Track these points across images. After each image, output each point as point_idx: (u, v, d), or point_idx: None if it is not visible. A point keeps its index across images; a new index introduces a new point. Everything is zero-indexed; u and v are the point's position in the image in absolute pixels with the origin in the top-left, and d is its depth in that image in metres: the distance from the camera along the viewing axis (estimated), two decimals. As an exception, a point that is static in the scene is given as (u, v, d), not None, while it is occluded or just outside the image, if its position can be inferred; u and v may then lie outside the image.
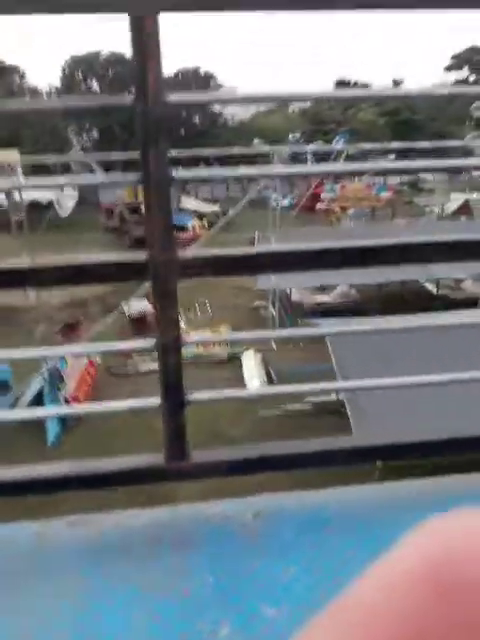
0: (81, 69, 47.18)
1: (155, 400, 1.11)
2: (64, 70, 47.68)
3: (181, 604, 1.01)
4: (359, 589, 0.27)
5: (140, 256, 1.01)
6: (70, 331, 17.27)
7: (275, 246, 1.08)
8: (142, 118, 0.87)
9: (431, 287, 19.96)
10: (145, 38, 0.83)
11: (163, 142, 0.90)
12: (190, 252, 1.03)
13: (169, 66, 46.46)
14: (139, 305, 16.25)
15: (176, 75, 49.15)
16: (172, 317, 1.02)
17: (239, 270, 1.06)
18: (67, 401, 13.41)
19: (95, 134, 46.31)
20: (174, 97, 0.89)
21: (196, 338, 1.21)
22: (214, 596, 1.02)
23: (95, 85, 47.73)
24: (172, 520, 1.19)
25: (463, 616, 0.24)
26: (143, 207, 0.97)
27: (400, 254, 1.12)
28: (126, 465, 1.19)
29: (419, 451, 1.31)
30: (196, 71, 49.78)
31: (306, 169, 1.11)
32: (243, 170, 1.03)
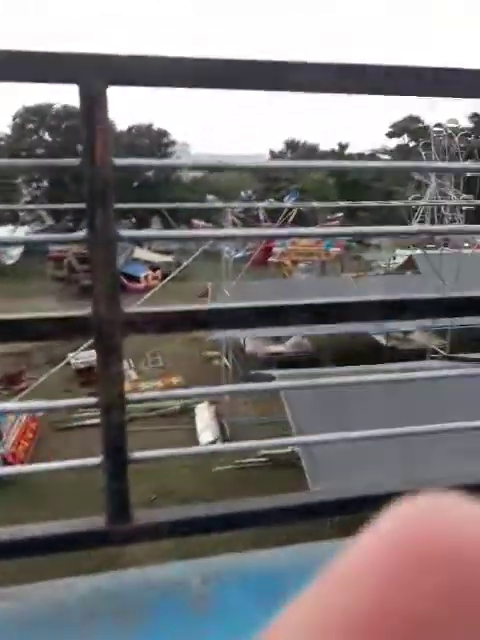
0: (33, 119, 47.61)
1: (96, 460, 1.07)
2: (15, 118, 48.00)
3: (120, 681, 0.95)
4: (326, 575, 0.28)
5: (83, 312, 1.00)
6: (11, 382, 16.58)
7: (223, 304, 1.11)
8: (90, 180, 0.89)
9: (381, 338, 20.59)
10: (94, 107, 0.86)
11: (110, 203, 0.92)
12: (135, 308, 1.04)
13: (122, 122, 47.74)
14: (86, 355, 15.91)
15: (129, 130, 50.21)
16: (116, 374, 1.01)
17: (186, 327, 1.07)
18: (4, 459, 12.75)
19: (45, 183, 46.29)
20: (121, 161, 0.93)
21: (140, 396, 1.19)
22: (157, 671, 0.96)
23: (47, 135, 48.05)
24: (113, 588, 1.13)
25: (427, 588, 0.24)
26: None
27: (347, 312, 1.16)
28: (64, 529, 1.13)
29: (374, 504, 1.31)
30: (149, 127, 51.07)
31: (250, 232, 1.16)
32: (191, 232, 1.07)
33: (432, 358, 16.31)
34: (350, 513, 1.37)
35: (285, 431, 10.87)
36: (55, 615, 1.04)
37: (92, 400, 1.04)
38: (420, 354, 17.55)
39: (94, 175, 0.89)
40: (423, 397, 8.88)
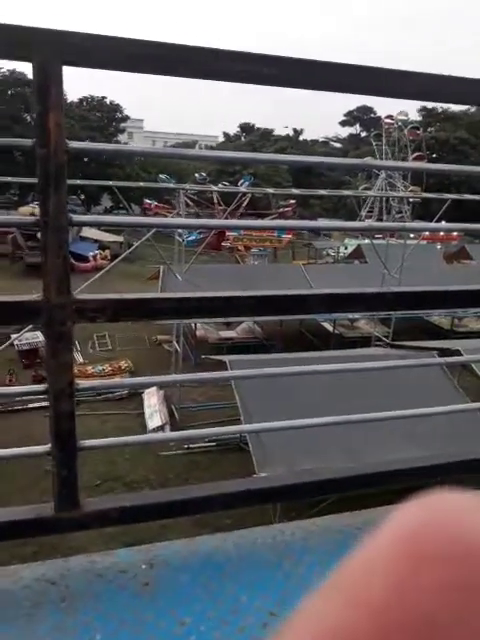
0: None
1: (45, 447, 1.06)
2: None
3: (65, 667, 0.95)
4: (342, 571, 0.28)
5: (33, 297, 0.98)
6: None
7: (175, 294, 1.10)
8: (42, 164, 0.87)
9: (328, 325, 21.07)
10: (48, 87, 0.83)
11: (63, 187, 0.90)
12: (87, 295, 1.02)
13: (74, 92, 45.66)
14: (30, 336, 15.38)
15: (81, 102, 48.16)
16: (66, 362, 1.00)
17: (138, 315, 1.07)
18: None
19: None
20: (75, 145, 0.90)
21: (90, 384, 1.18)
22: (102, 655, 0.97)
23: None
24: (60, 574, 1.13)
25: (439, 582, 0.25)
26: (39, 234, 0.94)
27: (299, 305, 1.18)
28: (11, 517, 1.11)
29: (318, 489, 1.36)
30: (102, 100, 49.13)
31: (206, 222, 1.15)
32: (144, 219, 1.05)
33: (376, 345, 16.86)
34: (295, 498, 1.41)
35: (234, 415, 10.98)
36: (1, 603, 1.03)
37: (41, 387, 1.02)
38: (365, 341, 18.11)
39: (47, 159, 0.86)
40: (367, 381, 9.19)
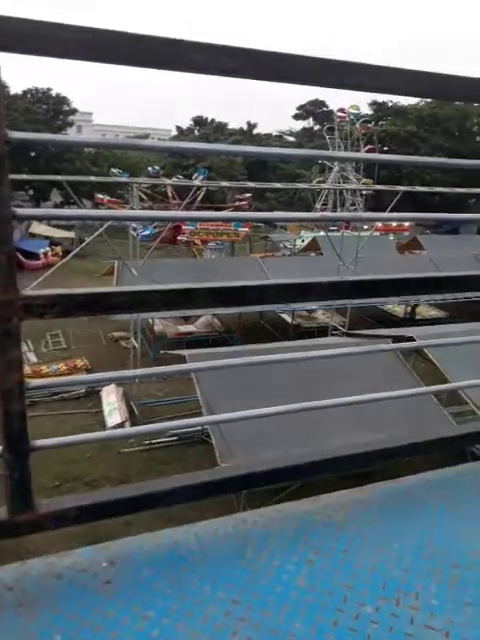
0: None
1: (-5, 449, 1.03)
2: None
3: (25, 673, 0.93)
4: None
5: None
6: None
7: (130, 287, 1.08)
8: (-20, 154, 0.83)
9: (287, 316, 21.30)
10: (-17, 74, 0.80)
11: (4, 180, 0.86)
12: (34, 291, 0.99)
13: (18, 85, 43.94)
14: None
15: (25, 94, 46.41)
16: (14, 359, 0.97)
17: (90, 311, 1.04)
18: None
19: None
20: (16, 135, 0.87)
21: (40, 383, 1.15)
22: (63, 657, 0.95)
23: None
24: (18, 578, 1.10)
25: None
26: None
27: (259, 296, 1.18)
28: (-39, 523, 1.07)
29: (280, 476, 1.37)
30: (47, 92, 47.50)
31: (160, 214, 1.14)
32: (95, 212, 1.03)
33: (333, 334, 17.17)
34: (255, 486, 1.43)
35: (195, 408, 10.96)
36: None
37: (-11, 387, 0.98)
38: (323, 331, 18.41)
39: (-14, 149, 0.83)
40: (325, 370, 9.36)
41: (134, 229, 15.24)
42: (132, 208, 16.33)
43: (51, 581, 1.09)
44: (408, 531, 1.33)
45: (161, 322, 20.10)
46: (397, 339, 11.94)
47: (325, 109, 63.20)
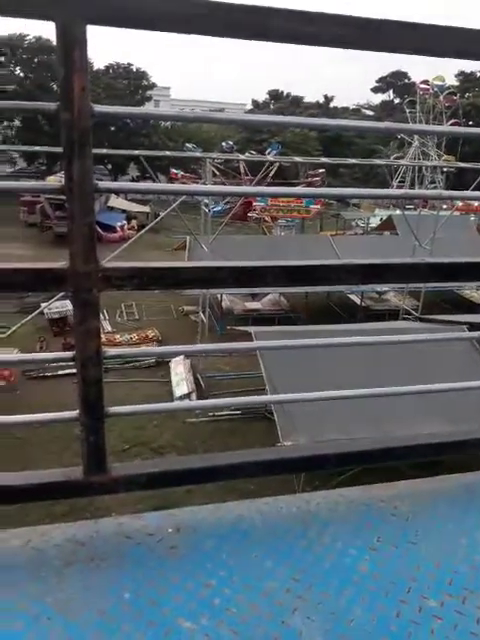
0: (2, 51, 44.35)
1: (73, 413, 1.08)
2: (-17, 50, 44.66)
3: (95, 623, 0.99)
4: None
5: (60, 265, 0.98)
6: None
7: (202, 263, 1.09)
8: (67, 128, 0.85)
9: (355, 298, 20.81)
10: (72, 48, 0.81)
11: (88, 153, 0.88)
12: (113, 263, 1.02)
13: (100, 60, 44.91)
14: (59, 305, 15.68)
15: (107, 69, 47.48)
16: (93, 329, 1.00)
17: (164, 285, 1.06)
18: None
19: (17, 122, 43.78)
20: (100, 108, 0.88)
21: (117, 352, 1.19)
22: (130, 613, 1.00)
23: (19, 70, 44.90)
24: (90, 536, 1.16)
25: None
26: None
27: (327, 276, 1.15)
28: (42, 479, 1.15)
29: (342, 461, 1.36)
30: (128, 67, 48.31)
31: (233, 190, 1.13)
32: (171, 186, 1.03)
33: (405, 319, 16.61)
34: (320, 469, 1.42)
35: (259, 384, 11.06)
36: (33, 561, 1.07)
37: (69, 354, 1.03)
38: (393, 314, 17.84)
39: (72, 123, 0.84)
40: (395, 355, 9.11)
41: (206, 205, 15.36)
42: (205, 183, 16.46)
43: (121, 540, 1.15)
44: (477, 528, 1.27)
45: (228, 298, 20.32)
46: (474, 326, 11.34)
47: (407, 81, 59.94)
